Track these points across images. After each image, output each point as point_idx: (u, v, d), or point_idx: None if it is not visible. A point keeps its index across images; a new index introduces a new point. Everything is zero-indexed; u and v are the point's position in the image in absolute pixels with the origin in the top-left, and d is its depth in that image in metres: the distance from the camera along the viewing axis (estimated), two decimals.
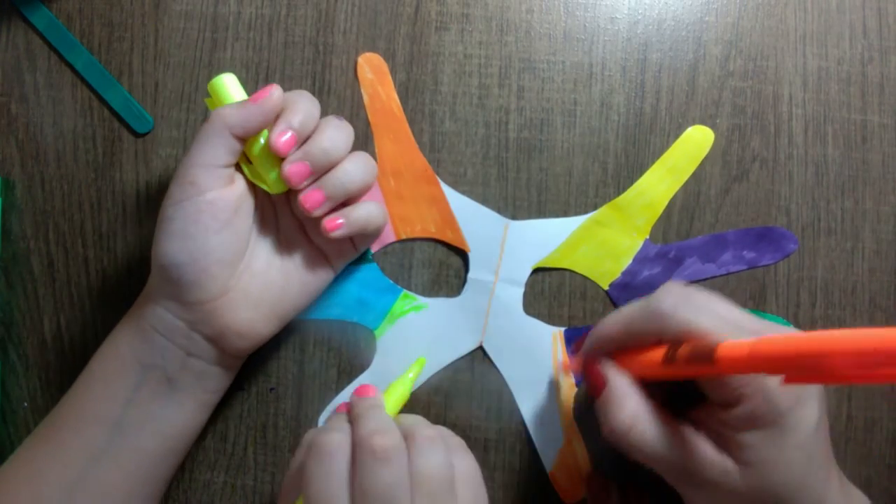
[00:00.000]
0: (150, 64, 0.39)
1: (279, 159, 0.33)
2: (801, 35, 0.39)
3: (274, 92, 0.32)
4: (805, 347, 0.21)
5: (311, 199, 0.32)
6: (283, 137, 0.31)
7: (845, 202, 0.39)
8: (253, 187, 0.34)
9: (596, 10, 0.39)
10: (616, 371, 0.30)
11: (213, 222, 0.31)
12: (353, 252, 0.36)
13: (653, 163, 0.39)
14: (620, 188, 0.38)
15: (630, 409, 0.29)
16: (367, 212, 0.34)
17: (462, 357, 0.38)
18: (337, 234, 0.33)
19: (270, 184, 0.33)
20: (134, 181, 0.39)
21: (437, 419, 0.38)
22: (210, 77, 0.38)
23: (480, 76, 0.39)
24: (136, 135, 0.39)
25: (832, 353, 0.20)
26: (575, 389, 0.38)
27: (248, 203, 0.34)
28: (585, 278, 0.38)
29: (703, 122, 0.39)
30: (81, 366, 0.38)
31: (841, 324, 0.38)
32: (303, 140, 0.32)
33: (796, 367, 0.21)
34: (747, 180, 0.39)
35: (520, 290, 0.38)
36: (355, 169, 0.33)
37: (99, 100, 0.39)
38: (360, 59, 0.39)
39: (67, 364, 0.38)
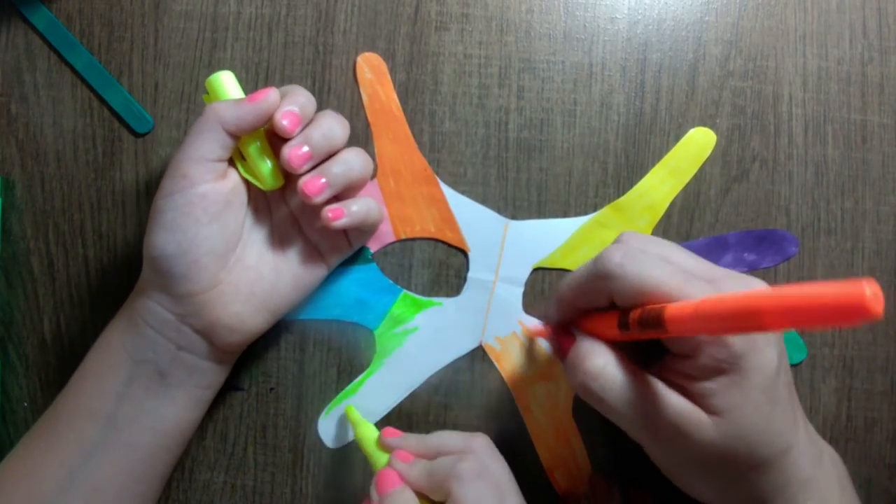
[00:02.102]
0: (150, 64, 0.39)
1: (274, 156, 0.33)
2: (801, 35, 0.39)
3: (271, 94, 0.32)
4: (742, 306, 0.22)
5: (312, 184, 0.32)
6: (286, 118, 0.31)
7: (845, 202, 0.39)
8: (246, 182, 0.34)
9: (596, 10, 0.39)
10: (581, 332, 0.31)
11: (203, 215, 0.31)
12: (348, 248, 0.36)
13: (653, 163, 0.39)
14: (620, 188, 0.38)
15: (598, 360, 0.28)
16: (366, 205, 0.34)
17: (462, 357, 0.38)
18: (339, 223, 0.33)
19: (264, 180, 0.33)
20: (134, 181, 0.39)
21: (436, 419, 0.38)
22: None
23: (480, 76, 0.39)
24: (136, 135, 0.39)
25: (766, 311, 0.21)
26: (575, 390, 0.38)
27: (241, 197, 0.34)
28: None
29: (703, 122, 0.39)
30: None
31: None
32: (302, 128, 0.33)
33: (735, 324, 0.22)
34: (747, 180, 0.39)
35: (520, 290, 0.38)
36: (354, 158, 0.34)
37: (99, 100, 0.39)
38: (359, 60, 0.39)
39: (67, 364, 0.38)
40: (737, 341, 0.27)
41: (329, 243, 0.35)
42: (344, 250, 0.36)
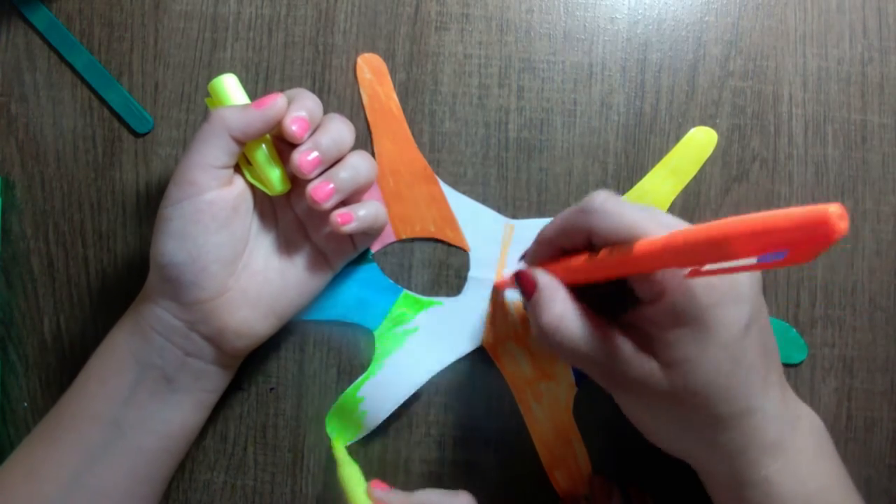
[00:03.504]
0: (150, 64, 0.39)
1: (280, 162, 0.33)
2: (801, 35, 0.39)
3: (278, 100, 0.31)
4: (710, 233, 0.22)
5: (321, 190, 0.32)
6: (296, 124, 0.31)
7: (845, 202, 0.39)
8: (252, 187, 0.34)
9: (596, 10, 0.39)
10: (546, 274, 0.30)
11: (212, 222, 0.31)
12: (353, 251, 0.36)
13: (653, 163, 0.39)
14: (620, 188, 0.38)
15: (558, 307, 0.29)
16: (374, 209, 0.34)
17: (463, 357, 0.38)
18: (348, 228, 0.33)
19: (272, 186, 0.33)
20: (134, 181, 0.39)
21: (437, 419, 0.38)
22: (210, 77, 0.38)
23: (480, 76, 0.39)
24: (136, 135, 0.39)
25: (734, 236, 0.21)
26: (575, 389, 0.38)
27: (247, 203, 0.34)
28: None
29: (703, 122, 0.39)
30: (81, 366, 0.38)
31: (841, 324, 0.38)
32: (311, 132, 0.33)
33: (703, 253, 0.22)
34: (747, 180, 0.39)
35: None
36: (361, 163, 0.34)
37: (99, 100, 0.39)
38: (359, 60, 0.39)
39: (67, 364, 0.38)
40: (703, 293, 0.26)
41: (334, 247, 0.35)
42: (349, 253, 0.36)
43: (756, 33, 0.39)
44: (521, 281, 0.31)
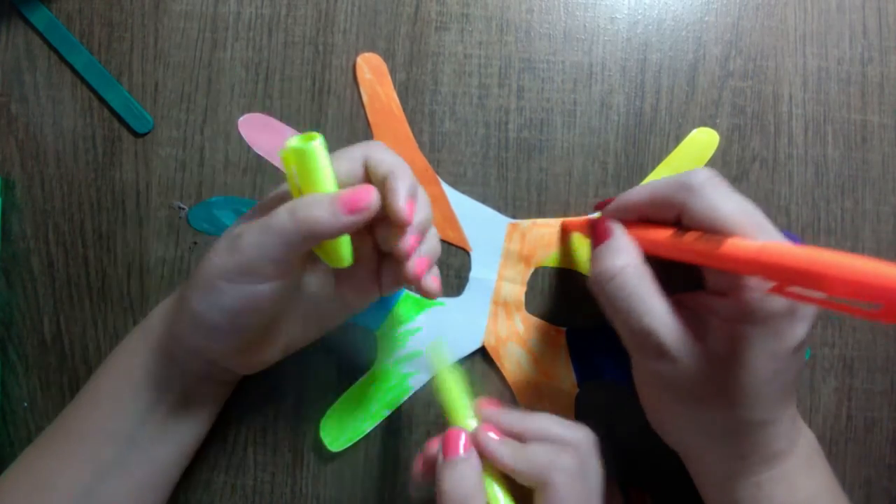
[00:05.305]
0: (150, 64, 0.39)
1: (350, 236, 0.30)
2: (801, 35, 0.39)
3: (372, 203, 0.28)
4: (813, 266, 0.22)
5: (422, 265, 0.29)
6: (408, 210, 0.28)
7: (845, 202, 0.39)
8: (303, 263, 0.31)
9: (596, 10, 0.39)
10: (622, 230, 0.30)
11: (268, 306, 0.29)
12: (376, 299, 0.34)
13: (653, 163, 0.39)
14: (620, 188, 0.38)
15: (622, 259, 0.28)
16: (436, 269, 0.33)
17: (464, 357, 0.38)
18: (434, 291, 0.31)
19: (341, 260, 0.30)
20: (134, 181, 0.39)
21: (437, 419, 0.38)
22: (210, 77, 0.38)
23: (480, 76, 0.39)
24: (136, 135, 0.39)
25: (835, 277, 0.21)
26: (576, 390, 0.38)
27: (297, 280, 0.32)
28: (586, 278, 0.38)
29: (703, 123, 0.39)
30: (81, 366, 0.38)
31: (841, 324, 0.38)
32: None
33: (797, 279, 0.22)
34: (747, 180, 0.39)
35: (522, 290, 0.38)
36: (435, 230, 0.32)
37: (99, 100, 0.39)
38: (359, 60, 0.39)
39: (67, 364, 0.38)
40: (778, 301, 0.26)
41: (361, 296, 0.33)
42: (373, 300, 0.34)
43: (756, 33, 0.39)
44: (597, 227, 0.30)
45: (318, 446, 0.38)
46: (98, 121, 0.39)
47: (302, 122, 0.39)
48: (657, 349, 0.28)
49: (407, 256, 0.29)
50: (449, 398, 0.32)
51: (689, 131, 0.38)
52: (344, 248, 0.29)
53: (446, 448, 0.30)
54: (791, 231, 0.38)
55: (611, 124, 0.39)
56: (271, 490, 0.38)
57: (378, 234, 0.31)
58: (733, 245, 0.25)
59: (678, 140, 0.38)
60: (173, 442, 0.33)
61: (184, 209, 0.38)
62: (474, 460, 0.29)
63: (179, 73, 0.39)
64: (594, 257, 0.30)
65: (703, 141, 0.38)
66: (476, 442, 0.30)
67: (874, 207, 0.39)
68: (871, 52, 0.39)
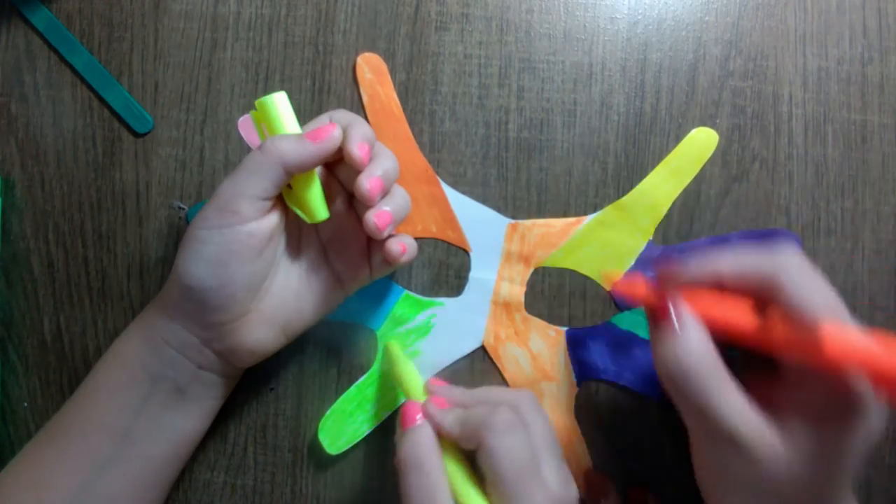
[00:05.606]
0: (150, 64, 0.39)
1: (324, 191, 0.33)
2: (801, 35, 0.39)
3: (335, 133, 0.31)
4: None
5: (383, 218, 0.31)
6: (362, 150, 0.31)
7: (845, 202, 0.39)
8: (285, 214, 0.33)
9: (596, 10, 0.39)
10: (689, 312, 0.28)
11: (248, 252, 0.31)
12: (368, 279, 0.35)
13: (653, 163, 0.39)
14: (620, 188, 0.38)
15: (692, 346, 0.27)
16: (414, 241, 0.34)
17: (463, 357, 0.38)
18: (404, 258, 0.33)
19: (314, 214, 0.32)
20: (134, 181, 0.39)
21: None
22: (210, 77, 0.38)
23: (480, 76, 0.39)
24: (136, 135, 0.39)
25: None
26: (576, 389, 0.38)
27: (280, 231, 0.33)
28: (586, 278, 0.38)
29: (703, 122, 0.39)
30: (81, 366, 0.38)
31: None
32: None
33: None
34: (747, 180, 0.39)
35: (522, 290, 0.38)
36: (405, 192, 0.34)
37: (99, 100, 0.39)
38: (359, 60, 0.39)
39: (67, 364, 0.38)
40: (860, 397, 0.25)
41: (352, 273, 0.35)
42: (364, 281, 0.35)
43: (756, 33, 0.39)
44: (660, 304, 0.29)
45: (319, 446, 0.38)
46: (98, 121, 0.39)
47: (302, 123, 0.38)
48: (738, 449, 0.27)
49: (365, 199, 0.31)
50: (402, 375, 0.34)
51: (689, 131, 0.38)
52: (316, 199, 0.32)
53: (403, 420, 0.31)
54: (791, 231, 0.38)
55: (611, 124, 0.39)
56: (271, 490, 0.38)
57: (348, 185, 0.33)
58: (836, 344, 0.24)
59: (678, 140, 0.38)
60: (167, 438, 0.33)
61: (184, 209, 0.38)
62: (427, 428, 0.30)
63: (179, 73, 0.39)
64: (657, 339, 0.29)
65: (702, 141, 0.38)
66: (425, 413, 0.31)
67: (874, 207, 0.39)
68: (871, 52, 0.39)
